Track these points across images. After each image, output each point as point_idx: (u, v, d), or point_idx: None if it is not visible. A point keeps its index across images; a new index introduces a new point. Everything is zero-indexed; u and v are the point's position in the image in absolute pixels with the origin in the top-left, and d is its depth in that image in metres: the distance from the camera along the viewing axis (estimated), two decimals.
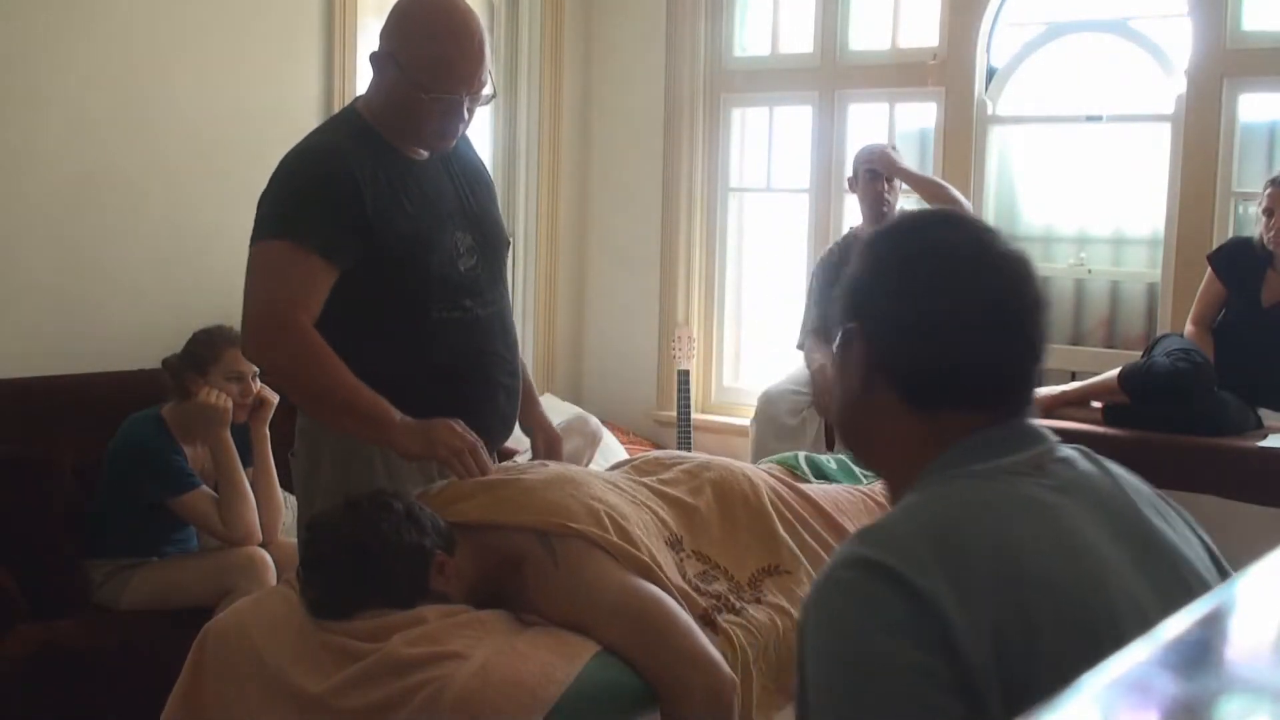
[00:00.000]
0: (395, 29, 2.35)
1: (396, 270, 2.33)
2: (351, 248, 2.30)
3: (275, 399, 3.31)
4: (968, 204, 4.30)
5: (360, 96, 2.48)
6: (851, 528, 2.54)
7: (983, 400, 1.21)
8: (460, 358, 2.41)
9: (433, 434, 2.28)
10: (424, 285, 2.36)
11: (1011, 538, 1.08)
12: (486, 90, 2.38)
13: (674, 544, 2.31)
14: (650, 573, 2.16)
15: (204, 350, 3.29)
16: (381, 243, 2.31)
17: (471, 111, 2.38)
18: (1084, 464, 1.21)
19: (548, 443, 2.62)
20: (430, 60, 2.29)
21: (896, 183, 4.35)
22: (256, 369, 3.25)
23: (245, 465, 3.31)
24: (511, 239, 2.69)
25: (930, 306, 1.21)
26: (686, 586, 2.21)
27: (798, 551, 2.42)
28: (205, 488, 3.24)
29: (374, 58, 2.37)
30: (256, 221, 2.35)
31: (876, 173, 4.32)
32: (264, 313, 2.31)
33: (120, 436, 3.27)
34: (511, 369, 2.52)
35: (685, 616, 2.11)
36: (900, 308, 1.23)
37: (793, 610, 2.27)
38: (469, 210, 2.47)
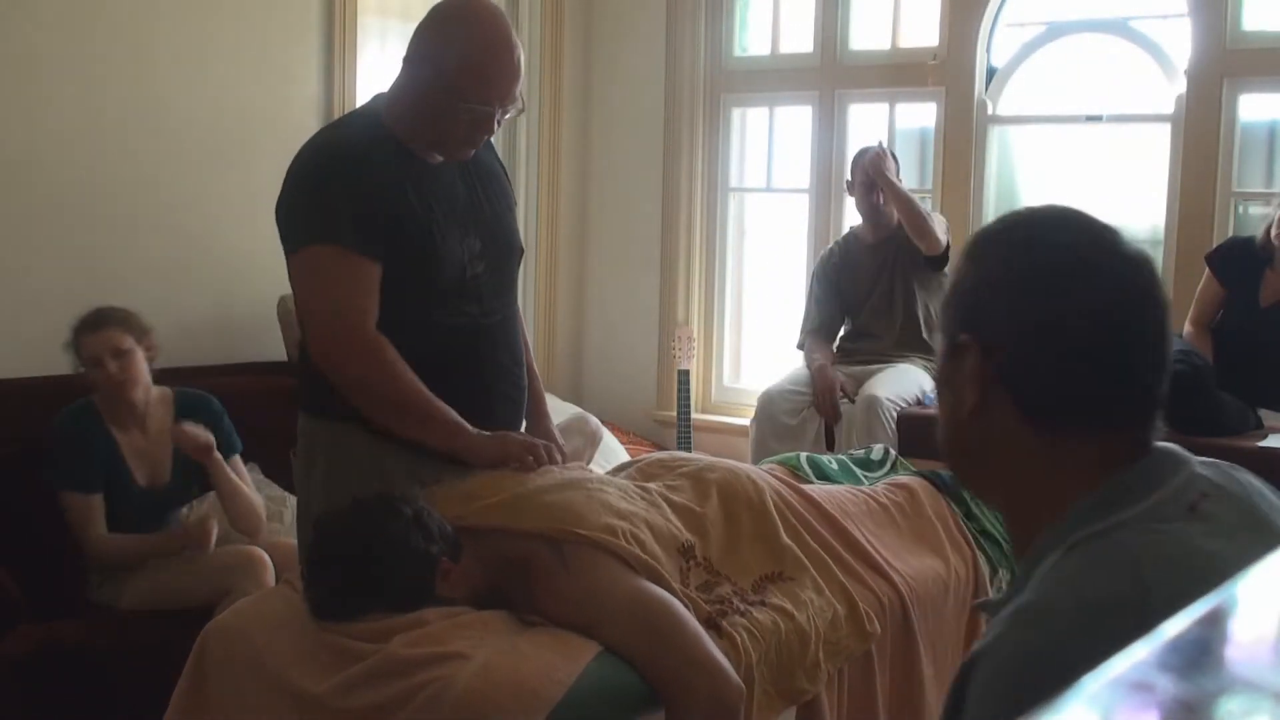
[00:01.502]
0: (436, 34, 2.34)
1: (404, 273, 2.33)
2: (383, 242, 2.30)
3: (210, 441, 3.22)
4: (943, 225, 4.30)
5: (378, 97, 2.46)
6: (855, 530, 2.54)
7: (1111, 417, 1.11)
8: (459, 364, 2.39)
9: (506, 438, 2.36)
10: (430, 289, 2.35)
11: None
12: (515, 105, 2.38)
13: (685, 551, 2.30)
14: (659, 577, 2.16)
15: (73, 343, 3.23)
16: (394, 244, 2.31)
17: (499, 124, 2.39)
18: (1229, 489, 1.11)
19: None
20: (471, 69, 2.29)
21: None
22: (121, 348, 3.19)
23: (202, 493, 3.30)
24: (524, 249, 2.67)
25: (1059, 316, 1.10)
26: (693, 593, 2.21)
27: (802, 556, 2.41)
28: (93, 497, 3.17)
29: (406, 60, 2.36)
30: (292, 226, 2.34)
31: (874, 182, 4.33)
32: (334, 326, 2.31)
33: (54, 426, 3.23)
34: (516, 380, 2.51)
35: (694, 622, 2.11)
36: (1025, 317, 1.11)
37: (796, 613, 2.27)
38: (481, 216, 2.45)
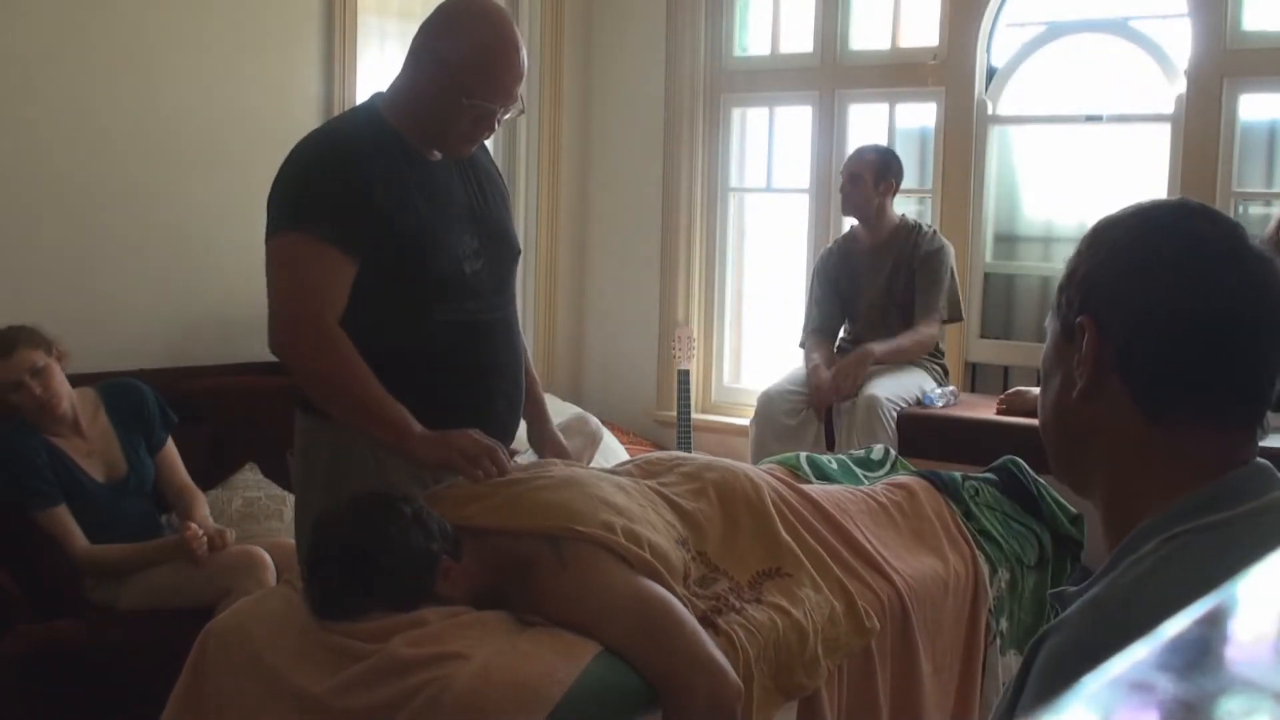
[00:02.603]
0: (444, 28, 2.34)
1: (402, 268, 2.33)
2: (365, 239, 2.30)
3: (220, 533, 3.21)
4: (950, 253, 4.33)
5: (379, 94, 2.47)
6: (854, 529, 2.54)
7: (1228, 416, 1.10)
8: (459, 360, 2.40)
9: (449, 442, 2.29)
10: (428, 285, 2.35)
11: None
12: (515, 106, 2.40)
13: (682, 544, 2.30)
14: (657, 575, 2.16)
15: None
16: (389, 239, 2.31)
17: (499, 123, 2.40)
18: None
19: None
20: (479, 67, 2.30)
21: (869, 180, 4.31)
22: (38, 366, 3.14)
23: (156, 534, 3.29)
24: (521, 249, 2.67)
25: (1192, 307, 1.08)
26: (687, 592, 2.21)
27: (799, 554, 2.41)
28: (58, 509, 3.15)
29: (412, 54, 2.37)
30: (272, 213, 2.35)
31: (856, 175, 4.32)
32: (289, 312, 2.31)
33: None
34: (514, 377, 2.51)
35: (692, 620, 2.11)
36: (1145, 303, 1.09)
37: (793, 610, 2.27)
38: (478, 213, 2.46)
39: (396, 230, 2.31)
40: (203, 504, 3.39)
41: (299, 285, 2.30)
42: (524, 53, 2.36)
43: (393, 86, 2.43)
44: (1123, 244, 1.13)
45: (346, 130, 2.41)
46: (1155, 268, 1.10)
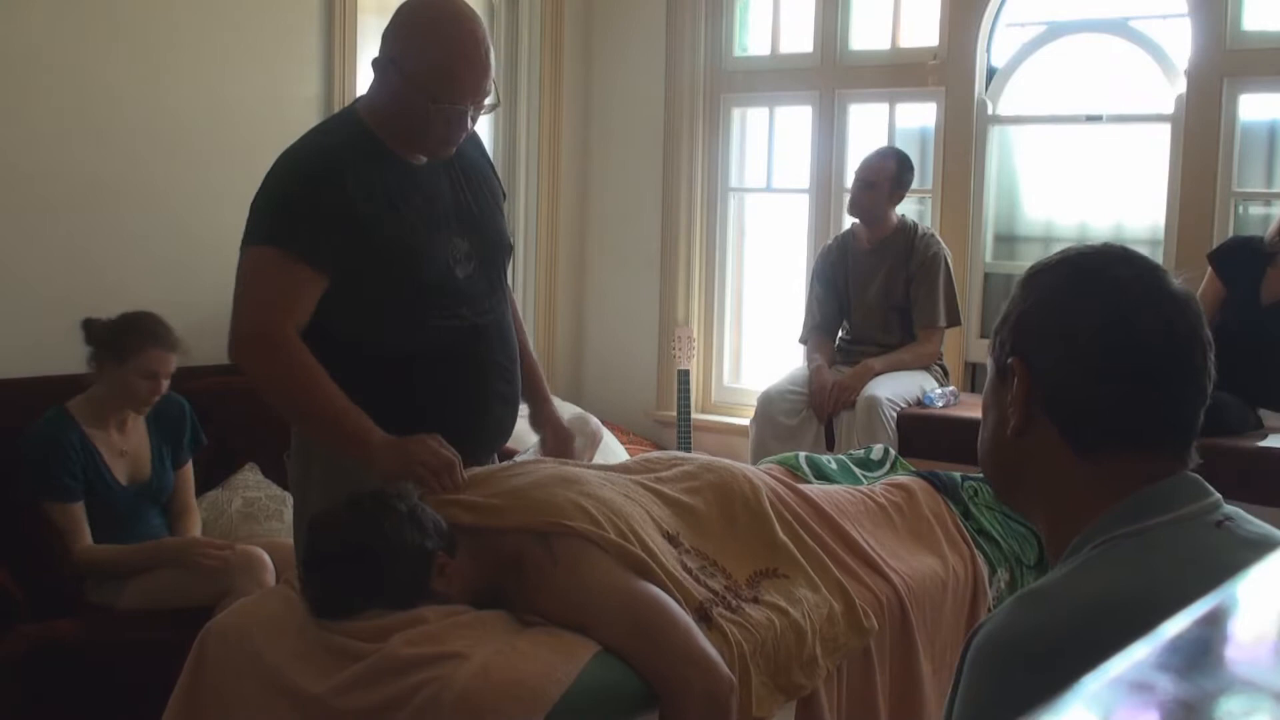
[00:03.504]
0: (399, 35, 2.31)
1: (391, 276, 2.31)
2: (341, 254, 2.27)
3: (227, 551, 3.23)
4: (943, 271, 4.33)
5: (360, 98, 2.45)
6: (852, 529, 2.54)
7: (1150, 443, 1.17)
8: (456, 366, 2.38)
9: (410, 452, 2.24)
10: (419, 292, 2.34)
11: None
12: (489, 99, 2.35)
13: (670, 539, 2.30)
14: (647, 569, 2.15)
15: (128, 341, 3.20)
16: (375, 248, 2.29)
17: (474, 120, 2.36)
18: (1250, 518, 1.17)
19: (558, 439, 2.59)
20: (437, 69, 2.26)
21: (886, 189, 4.33)
22: (170, 371, 3.22)
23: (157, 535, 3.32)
24: (513, 245, 2.65)
25: (1104, 345, 1.16)
26: (684, 576, 2.20)
27: (797, 554, 2.41)
28: (74, 506, 3.16)
29: (376, 63, 2.34)
30: (247, 225, 2.34)
31: (873, 183, 4.32)
32: (249, 324, 2.30)
33: (28, 437, 3.19)
34: (510, 377, 2.50)
35: (685, 616, 2.11)
36: (1071, 345, 1.17)
37: (790, 610, 2.27)
38: (468, 215, 2.43)
39: (382, 240, 2.29)
40: (198, 528, 3.43)
41: (260, 298, 2.29)
42: (486, 45, 2.30)
43: (368, 93, 2.40)
44: (1051, 290, 1.20)
45: (328, 143, 2.37)
46: (1079, 314, 1.17)
